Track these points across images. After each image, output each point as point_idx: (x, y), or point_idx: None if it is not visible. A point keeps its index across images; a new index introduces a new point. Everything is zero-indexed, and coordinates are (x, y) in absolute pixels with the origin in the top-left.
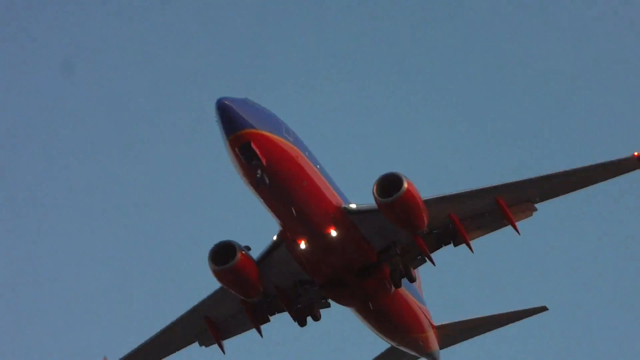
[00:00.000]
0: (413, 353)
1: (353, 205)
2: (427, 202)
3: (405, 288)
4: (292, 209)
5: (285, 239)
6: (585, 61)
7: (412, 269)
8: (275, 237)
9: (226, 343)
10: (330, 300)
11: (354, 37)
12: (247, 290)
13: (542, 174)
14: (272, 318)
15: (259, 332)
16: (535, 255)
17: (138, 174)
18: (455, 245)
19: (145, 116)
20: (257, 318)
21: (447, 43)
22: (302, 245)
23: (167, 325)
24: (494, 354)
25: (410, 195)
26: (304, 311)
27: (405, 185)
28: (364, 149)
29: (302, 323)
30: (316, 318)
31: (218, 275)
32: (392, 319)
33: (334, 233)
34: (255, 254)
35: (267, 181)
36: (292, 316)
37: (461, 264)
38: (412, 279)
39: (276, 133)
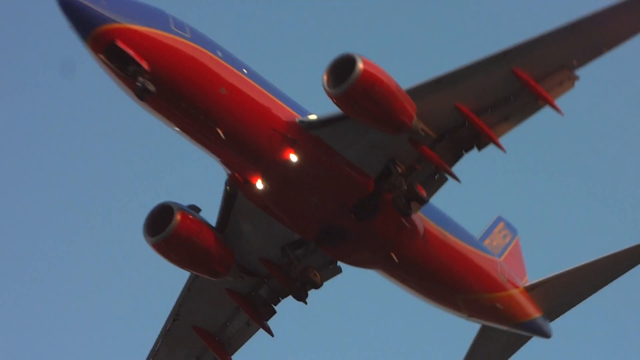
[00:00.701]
0: (504, 327)
1: (312, 116)
2: (414, 91)
3: (444, 229)
4: (216, 129)
5: (238, 184)
6: None
7: (418, 187)
8: (226, 187)
9: None
10: (340, 264)
11: None
12: (209, 264)
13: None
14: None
15: (267, 330)
16: (589, 138)
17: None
18: (480, 148)
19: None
20: (258, 312)
21: None
22: (259, 184)
23: (150, 354)
24: None
25: (370, 77)
26: (300, 281)
27: (361, 64)
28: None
29: (301, 297)
30: (316, 285)
31: (160, 249)
32: (435, 273)
33: (294, 158)
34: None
35: (153, 89)
36: (290, 293)
37: (489, 174)
38: (422, 200)
39: (157, 27)
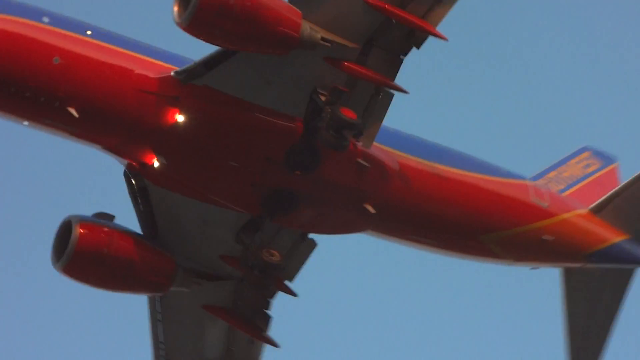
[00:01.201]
0: (577, 264)
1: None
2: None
3: (431, 160)
4: (66, 108)
5: (139, 172)
6: None
7: (343, 111)
8: (128, 180)
9: None
10: (312, 236)
11: None
12: (140, 277)
13: None
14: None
15: (271, 342)
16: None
17: None
18: (419, 46)
19: None
20: (253, 323)
21: None
22: (157, 163)
23: None
24: None
25: None
26: (258, 269)
27: None
28: None
29: (268, 287)
30: (276, 266)
31: (71, 273)
32: (436, 215)
33: (183, 119)
34: None
35: None
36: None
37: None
38: (351, 124)
39: None
